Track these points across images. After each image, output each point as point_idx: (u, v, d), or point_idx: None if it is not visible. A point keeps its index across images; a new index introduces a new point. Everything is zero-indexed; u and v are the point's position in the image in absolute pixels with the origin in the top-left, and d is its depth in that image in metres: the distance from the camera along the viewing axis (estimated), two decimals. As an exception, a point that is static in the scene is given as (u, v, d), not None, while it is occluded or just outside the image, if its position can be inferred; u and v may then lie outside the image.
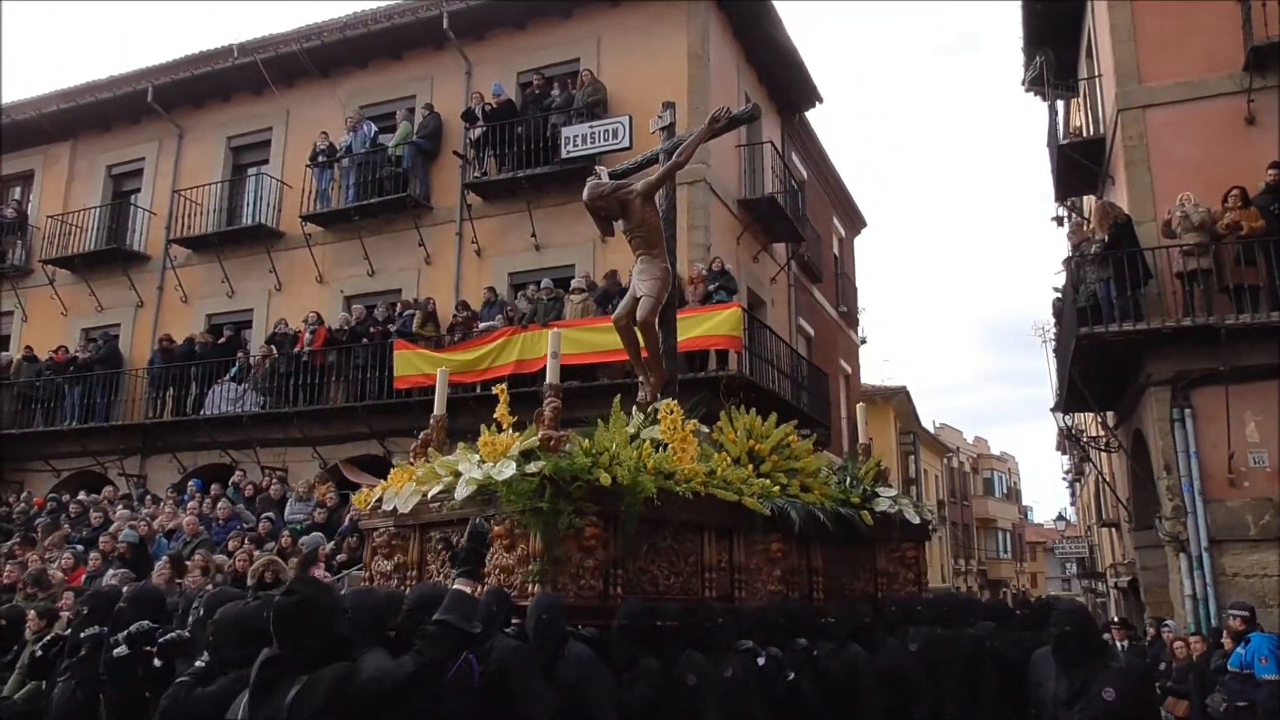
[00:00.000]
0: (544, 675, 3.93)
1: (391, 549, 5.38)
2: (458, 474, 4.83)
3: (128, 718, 4.33)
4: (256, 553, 10.05)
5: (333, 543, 10.68)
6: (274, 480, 13.81)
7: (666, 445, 5.39)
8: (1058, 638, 4.61)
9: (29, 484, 17.14)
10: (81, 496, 14.79)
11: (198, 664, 3.79)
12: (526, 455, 4.67)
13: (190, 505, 12.82)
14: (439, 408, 6.07)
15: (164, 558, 10.34)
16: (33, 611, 7.46)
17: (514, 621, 4.25)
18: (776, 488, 5.89)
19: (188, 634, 4.53)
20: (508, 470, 4.55)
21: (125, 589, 5.90)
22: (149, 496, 14.77)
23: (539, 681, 3.79)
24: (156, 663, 4.31)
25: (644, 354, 6.70)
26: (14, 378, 17.76)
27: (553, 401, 4.95)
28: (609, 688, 4.16)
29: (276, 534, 11.01)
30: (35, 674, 5.93)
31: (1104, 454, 17.20)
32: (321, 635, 2.80)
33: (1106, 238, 11.65)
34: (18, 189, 20.73)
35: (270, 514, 11.97)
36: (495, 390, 5.26)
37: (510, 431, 4.90)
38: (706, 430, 6.32)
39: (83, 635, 4.99)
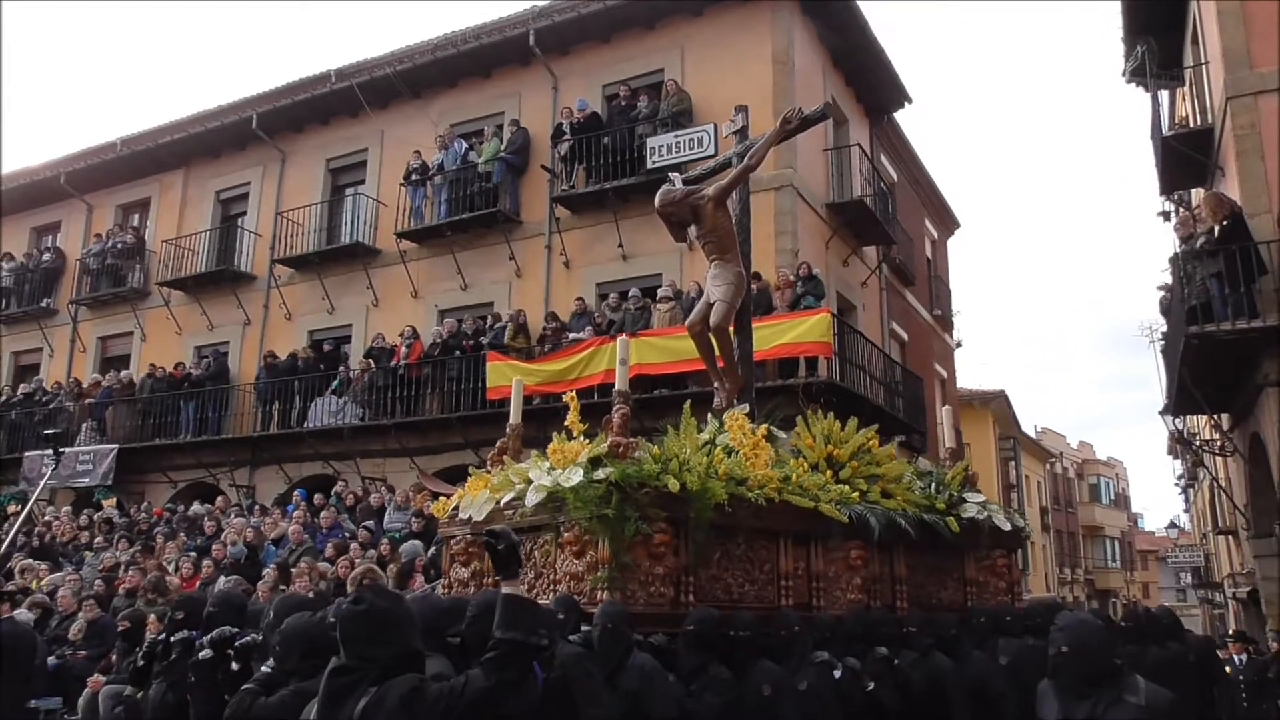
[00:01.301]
0: (607, 683, 3.90)
1: (469, 556, 5.42)
2: (529, 481, 4.86)
3: (212, 718, 4.42)
4: (358, 560, 10.37)
5: (431, 550, 10.94)
6: (374, 489, 14.23)
7: (739, 451, 5.31)
8: (1053, 660, 3.66)
9: (149, 494, 18.06)
10: (196, 506, 15.51)
11: (263, 670, 3.84)
12: (595, 462, 4.66)
13: (295, 514, 13.30)
14: (514, 416, 6.12)
15: (271, 565, 10.77)
16: (152, 615, 7.85)
17: (582, 629, 4.24)
18: (856, 494, 5.75)
19: (261, 638, 4.61)
20: (575, 477, 4.56)
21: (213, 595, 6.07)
22: (258, 506, 15.38)
23: (601, 688, 3.76)
24: (235, 666, 4.43)
25: (719, 360, 6.63)
26: (139, 394, 18.72)
27: (621, 408, 4.93)
28: (673, 697, 4.10)
29: (376, 542, 11.34)
30: (136, 681, 6.18)
31: (1219, 458, 16.39)
32: (390, 647, 2.73)
33: (1217, 229, 11.12)
34: (136, 216, 21.92)
35: (370, 523, 12.34)
36: (565, 398, 5.27)
37: (583, 439, 4.91)
38: (785, 436, 6.21)
39: (172, 640, 5.18)
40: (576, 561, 4.67)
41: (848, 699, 4.70)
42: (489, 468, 5.73)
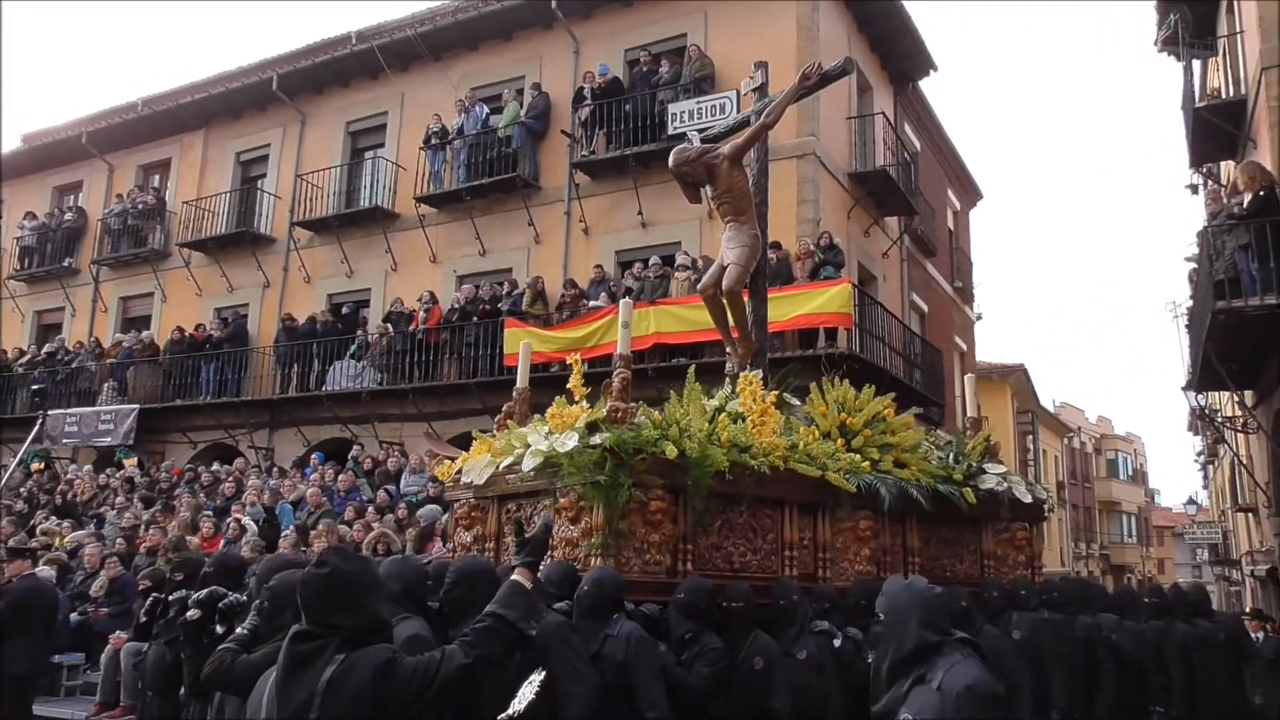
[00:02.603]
0: (592, 651, 3.83)
1: (471, 520, 5.38)
2: (529, 446, 4.80)
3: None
4: (376, 523, 10.45)
5: (448, 514, 10.98)
6: (390, 453, 14.30)
7: (747, 418, 5.20)
8: (873, 634, 3.36)
9: (169, 454, 18.23)
10: (215, 467, 15.66)
11: (240, 630, 3.73)
12: (592, 427, 4.58)
13: (313, 477, 13.40)
14: (521, 380, 6.02)
15: (290, 527, 10.86)
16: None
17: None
18: (866, 463, 5.58)
19: (246, 599, 4.49)
20: (570, 442, 4.49)
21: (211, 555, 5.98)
22: (276, 468, 15.51)
23: (580, 659, 3.67)
24: (219, 628, 4.34)
25: (732, 325, 6.48)
26: (164, 356, 18.82)
27: (622, 373, 4.83)
28: (657, 666, 4.01)
29: (394, 506, 11.42)
30: (139, 637, 6.21)
31: (1240, 435, 16.24)
32: (356, 615, 2.53)
33: (1248, 198, 10.87)
34: (157, 176, 21.93)
35: (390, 486, 12.42)
36: (569, 360, 5.18)
37: (585, 404, 4.82)
38: (799, 404, 6.08)
39: (170, 599, 5.17)
40: (572, 528, 4.62)
41: (848, 669, 4.61)
42: (495, 432, 5.67)
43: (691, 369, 5.49)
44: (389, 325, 16.19)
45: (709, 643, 4.25)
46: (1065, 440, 39.43)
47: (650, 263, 14.18)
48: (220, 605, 4.42)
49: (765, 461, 4.97)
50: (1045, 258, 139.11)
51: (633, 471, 4.49)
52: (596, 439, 4.49)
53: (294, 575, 3.61)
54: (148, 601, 6.13)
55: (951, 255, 21.69)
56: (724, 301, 6.38)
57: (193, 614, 4.53)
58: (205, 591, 4.62)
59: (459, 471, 5.52)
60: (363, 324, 17.17)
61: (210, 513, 12.33)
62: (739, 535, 5.08)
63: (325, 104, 19.26)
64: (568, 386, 5.03)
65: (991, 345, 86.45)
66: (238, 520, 11.30)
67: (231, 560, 5.32)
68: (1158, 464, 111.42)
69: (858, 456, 5.59)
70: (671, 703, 3.99)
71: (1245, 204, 10.92)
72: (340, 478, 12.99)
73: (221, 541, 10.88)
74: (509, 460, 4.98)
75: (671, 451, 4.56)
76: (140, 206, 20.84)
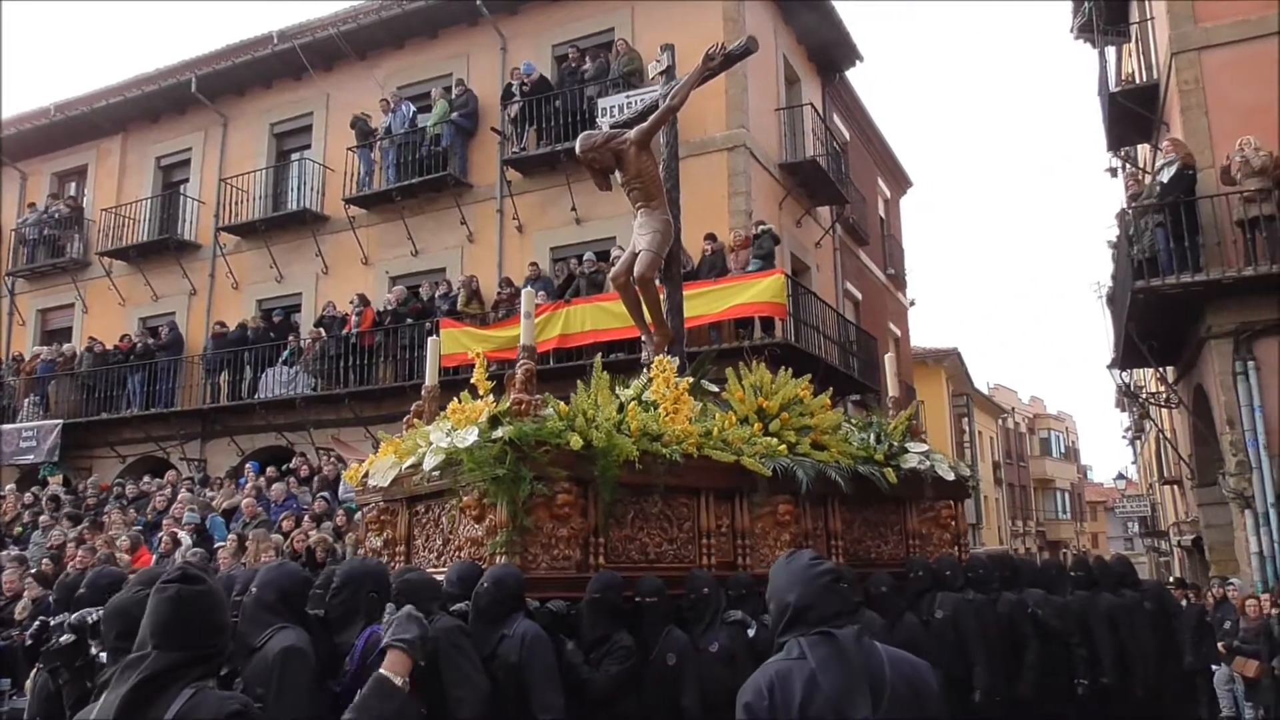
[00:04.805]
0: (486, 653, 3.71)
1: (381, 524, 5.23)
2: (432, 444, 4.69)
3: (82, 703, 4.04)
4: (313, 532, 10.24)
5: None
6: (327, 460, 14.03)
7: (658, 406, 5.10)
8: None
9: (96, 470, 17.67)
10: (146, 480, 15.22)
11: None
12: (494, 421, 4.44)
13: (247, 487, 13.09)
14: (430, 379, 5.90)
15: (230, 536, 10.59)
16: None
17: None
18: (783, 446, 5.45)
19: None
20: (470, 437, 4.36)
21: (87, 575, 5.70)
22: (214, 480, 15.11)
23: (470, 663, 3.55)
24: (94, 650, 4.09)
25: (647, 313, 6.36)
26: (78, 368, 18.24)
27: (525, 364, 4.71)
28: (552, 667, 3.85)
29: (332, 513, 11.20)
30: (28, 661, 6.00)
31: (1164, 410, 16.77)
32: (204, 637, 2.21)
33: (1176, 169, 11.15)
34: (73, 184, 21.24)
35: (325, 494, 12.18)
36: (471, 356, 5.06)
37: (489, 398, 4.69)
38: (716, 390, 6.01)
39: (52, 623, 4.96)
40: (477, 526, 4.48)
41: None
42: (404, 432, 5.52)
43: (598, 358, 5.39)
44: (322, 330, 15.89)
45: (619, 640, 4.14)
46: (999, 421, 40.35)
47: (585, 259, 14.13)
48: (90, 624, 4.18)
49: (678, 449, 4.84)
50: (975, 243, 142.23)
51: (535, 464, 4.35)
52: (498, 432, 4.35)
53: (119, 597, 3.30)
54: (33, 626, 5.88)
55: (883, 243, 22.00)
56: (637, 290, 6.26)
57: (66, 638, 4.27)
58: (78, 614, 4.37)
59: (365, 475, 5.37)
60: (295, 329, 16.82)
61: (140, 528, 11.97)
62: (653, 525, 4.95)
63: (248, 105, 18.81)
64: (471, 381, 4.88)
65: (925, 330, 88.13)
66: (171, 534, 10.99)
67: (103, 578, 5.05)
68: (1089, 441, 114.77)
69: (774, 440, 5.46)
70: (576, 702, 3.87)
71: (1168, 179, 11.24)
72: (274, 487, 12.70)
73: (152, 558, 10.57)
74: (411, 460, 4.84)
75: (576, 442, 4.42)
76: (56, 215, 20.16)
